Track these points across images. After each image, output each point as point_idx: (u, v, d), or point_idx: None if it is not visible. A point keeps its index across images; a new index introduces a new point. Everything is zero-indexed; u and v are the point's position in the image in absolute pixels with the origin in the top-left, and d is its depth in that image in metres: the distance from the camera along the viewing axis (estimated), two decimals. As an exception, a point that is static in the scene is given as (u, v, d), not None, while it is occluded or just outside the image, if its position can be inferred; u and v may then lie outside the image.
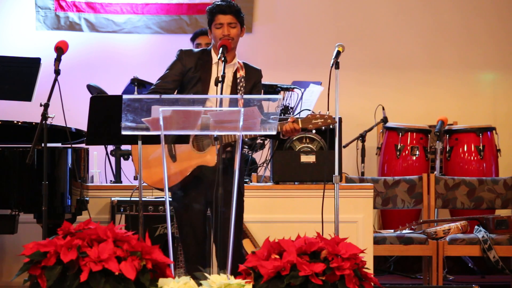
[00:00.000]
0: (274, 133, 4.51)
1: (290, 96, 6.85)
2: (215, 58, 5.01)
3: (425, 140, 7.81)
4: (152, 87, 5.06)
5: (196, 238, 5.01)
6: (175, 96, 4.85)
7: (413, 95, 8.67)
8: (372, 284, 4.23)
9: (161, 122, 4.37)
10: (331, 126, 5.09)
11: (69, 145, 5.73)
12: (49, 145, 5.21)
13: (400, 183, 7.17)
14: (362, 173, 7.79)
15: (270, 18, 8.65)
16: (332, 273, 4.10)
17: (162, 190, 4.81)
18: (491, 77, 8.72)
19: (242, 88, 5.01)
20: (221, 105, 4.82)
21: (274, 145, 6.23)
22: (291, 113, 6.71)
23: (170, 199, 4.98)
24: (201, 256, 5.02)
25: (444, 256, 6.76)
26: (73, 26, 8.46)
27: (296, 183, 6.25)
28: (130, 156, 6.56)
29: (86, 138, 4.90)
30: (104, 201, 6.25)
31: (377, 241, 6.63)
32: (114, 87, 7.15)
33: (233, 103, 4.67)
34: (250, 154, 6.74)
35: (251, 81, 5.07)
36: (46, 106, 5.12)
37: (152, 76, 5.59)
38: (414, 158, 7.77)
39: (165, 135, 4.42)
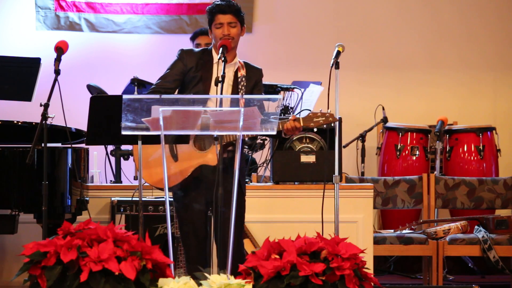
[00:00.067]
0: (274, 133, 4.51)
1: (290, 96, 6.84)
2: (216, 57, 5.00)
3: (425, 140, 7.80)
4: (153, 86, 5.05)
5: (197, 238, 5.01)
6: (175, 96, 4.84)
7: (413, 95, 8.67)
8: (372, 284, 4.22)
9: (161, 122, 4.36)
10: (332, 124, 5.08)
11: (69, 145, 5.72)
12: (49, 145, 5.21)
13: (400, 183, 7.17)
14: (362, 173, 7.79)
15: (270, 18, 8.64)
16: (332, 273, 4.10)
17: (163, 189, 4.80)
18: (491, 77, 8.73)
19: (243, 88, 5.01)
20: (221, 105, 4.81)
21: (274, 145, 6.23)
22: (291, 113, 6.70)
23: (171, 199, 4.97)
24: (202, 256, 5.02)
25: (444, 256, 6.75)
26: (73, 26, 8.46)
27: (296, 183, 6.25)
28: (131, 156, 6.56)
29: (86, 138, 4.90)
30: (104, 201, 6.25)
31: (377, 241, 6.62)
32: (114, 87, 7.14)
33: (234, 103, 4.67)
34: (250, 154, 6.74)
35: (252, 80, 5.07)
36: (46, 106, 5.12)
37: (152, 76, 5.59)
38: (414, 158, 7.77)
39: (165, 135, 4.42)
